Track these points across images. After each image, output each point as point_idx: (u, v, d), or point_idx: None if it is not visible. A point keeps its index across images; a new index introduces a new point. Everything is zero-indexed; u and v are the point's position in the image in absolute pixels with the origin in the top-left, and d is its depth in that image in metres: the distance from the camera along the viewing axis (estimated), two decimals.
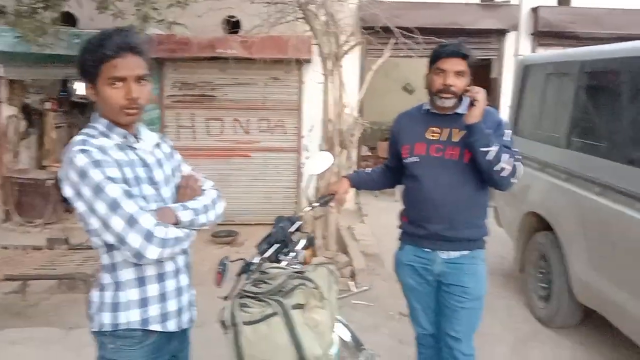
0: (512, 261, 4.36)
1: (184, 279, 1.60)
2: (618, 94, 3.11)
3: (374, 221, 6.30)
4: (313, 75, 5.89)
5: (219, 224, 6.17)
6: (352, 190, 6.59)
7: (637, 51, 2.95)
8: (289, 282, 1.59)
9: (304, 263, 2.14)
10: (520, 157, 2.17)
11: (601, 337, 3.43)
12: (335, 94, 4.86)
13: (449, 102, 2.12)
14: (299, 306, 1.51)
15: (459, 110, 2.16)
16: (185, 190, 1.59)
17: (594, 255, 3.12)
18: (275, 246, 2.17)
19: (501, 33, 6.61)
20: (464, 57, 2.08)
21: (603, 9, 6.52)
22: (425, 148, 2.21)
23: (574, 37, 6.32)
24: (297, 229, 2.32)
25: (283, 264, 2.05)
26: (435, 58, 2.13)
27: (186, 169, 1.71)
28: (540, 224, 3.75)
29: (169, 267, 1.54)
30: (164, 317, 1.54)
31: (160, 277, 1.52)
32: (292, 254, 2.15)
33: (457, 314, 2.24)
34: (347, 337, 2.44)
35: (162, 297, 1.53)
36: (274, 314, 1.49)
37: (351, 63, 6.01)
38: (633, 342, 2.85)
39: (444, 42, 2.17)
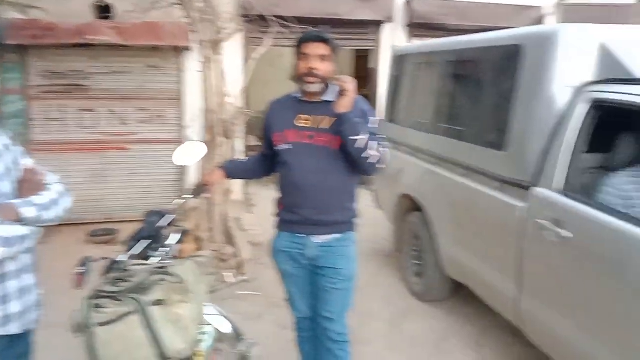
0: (391, 242, 4.60)
1: (28, 278, 1.49)
2: (475, 81, 3.38)
3: (263, 211, 6.29)
4: (193, 63, 5.72)
5: (96, 222, 5.83)
6: (241, 181, 6.60)
7: (489, 42, 3.22)
8: (149, 278, 1.54)
9: (180, 258, 2.09)
10: (387, 143, 2.28)
11: (470, 307, 3.73)
12: (216, 83, 4.76)
13: (315, 87, 2.17)
14: (158, 302, 1.47)
15: (327, 98, 2.22)
16: (26, 185, 1.47)
17: (458, 232, 3.37)
18: (145, 242, 2.09)
19: (378, 24, 6.86)
20: (326, 42, 2.14)
21: (470, 3, 7.00)
22: (296, 135, 2.25)
23: (444, 28, 6.72)
24: (170, 223, 2.26)
25: (155, 260, 1.99)
26: (298, 44, 2.17)
27: (27, 163, 1.58)
28: (413, 206, 3.99)
29: (11, 266, 1.42)
30: (5, 319, 1.42)
31: (2, 278, 1.40)
32: (163, 250, 2.09)
33: (330, 295, 2.32)
34: (227, 328, 2.43)
35: (4, 299, 1.41)
36: (131, 312, 1.43)
37: (233, 52, 5.91)
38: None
39: (308, 30, 2.22)
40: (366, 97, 7.56)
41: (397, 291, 4.13)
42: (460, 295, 3.81)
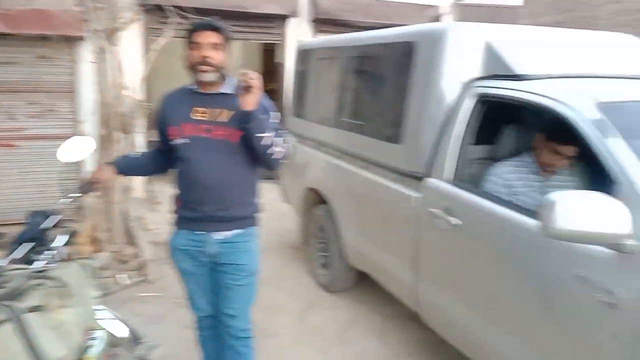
0: (299, 235, 4.63)
1: None
2: (374, 77, 3.48)
3: (169, 209, 6.09)
4: (87, 54, 5.39)
5: None
6: (143, 178, 6.33)
7: (385, 38, 3.32)
8: (26, 283, 1.43)
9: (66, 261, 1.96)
10: (289, 138, 2.28)
11: (374, 296, 3.85)
12: (112, 75, 4.52)
13: (210, 76, 2.11)
14: (35, 308, 1.37)
15: (225, 90, 2.18)
16: None
17: (360, 223, 3.46)
18: (27, 245, 1.94)
19: (283, 18, 6.87)
20: (218, 30, 2.10)
21: (374, 0, 7.20)
22: (193, 129, 2.18)
23: (349, 25, 6.86)
24: (57, 224, 2.11)
25: (39, 264, 1.85)
26: (190, 33, 2.11)
27: None
28: (318, 199, 4.04)
29: None
30: None
31: None
32: (49, 253, 1.95)
33: (233, 292, 2.29)
34: (124, 332, 2.33)
35: None
36: (4, 320, 1.32)
37: (131, 42, 5.64)
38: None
39: (198, 19, 2.16)
40: (274, 91, 7.60)
41: (304, 283, 4.17)
42: (365, 284, 3.92)
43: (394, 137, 3.03)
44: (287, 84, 6.62)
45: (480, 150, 2.83)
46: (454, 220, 2.47)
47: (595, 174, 2.14)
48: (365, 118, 3.47)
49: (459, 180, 2.59)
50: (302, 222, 4.49)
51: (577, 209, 1.70)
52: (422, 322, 2.99)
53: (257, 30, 6.78)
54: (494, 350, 2.31)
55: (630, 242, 1.70)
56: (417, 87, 2.86)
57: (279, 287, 4.04)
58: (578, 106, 2.08)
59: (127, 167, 2.44)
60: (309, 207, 4.28)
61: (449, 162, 2.63)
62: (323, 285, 4.04)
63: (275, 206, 5.23)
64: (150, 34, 6.01)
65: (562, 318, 1.95)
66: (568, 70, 2.53)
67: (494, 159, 2.73)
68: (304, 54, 4.56)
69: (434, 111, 2.75)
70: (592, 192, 1.80)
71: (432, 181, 2.70)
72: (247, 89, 2.01)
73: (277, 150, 2.15)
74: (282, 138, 2.18)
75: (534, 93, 2.33)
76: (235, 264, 2.27)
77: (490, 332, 2.31)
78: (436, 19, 7.48)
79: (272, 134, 2.11)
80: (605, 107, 2.03)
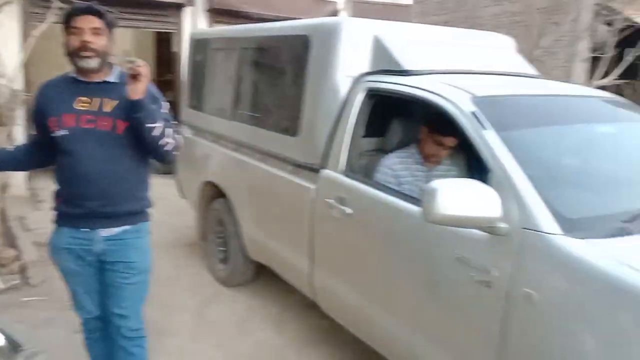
0: (196, 230, 4.53)
1: None
2: (270, 69, 3.48)
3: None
4: None
5: None
6: (24, 174, 5.83)
7: (281, 31, 3.34)
8: None
9: None
10: (179, 129, 2.22)
11: (273, 288, 3.87)
12: None
13: (92, 62, 2.00)
14: None
15: (110, 79, 2.08)
16: None
17: (259, 215, 3.47)
18: None
19: (178, 7, 6.65)
20: (99, 14, 1.99)
21: None
22: (75, 119, 2.05)
23: (246, 16, 6.81)
24: None
25: None
26: (68, 19, 1.98)
27: None
28: (216, 192, 3.97)
29: None
30: None
31: None
32: None
33: (122, 291, 2.19)
34: (1, 341, 2.15)
35: None
36: None
37: (9, 28, 5.18)
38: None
39: (77, 3, 2.03)
40: (170, 82, 7.33)
41: (203, 279, 4.09)
42: (263, 277, 3.93)
43: (291, 130, 3.06)
44: (185, 74, 6.43)
45: (371, 142, 2.94)
46: (346, 210, 2.55)
47: (473, 163, 2.31)
48: (262, 110, 3.47)
49: (351, 171, 2.67)
50: (199, 217, 4.39)
51: (455, 196, 1.83)
52: (319, 311, 3.06)
53: (150, 18, 6.51)
54: (387, 333, 2.42)
55: (501, 225, 1.86)
56: (313, 81, 2.91)
57: (177, 285, 3.93)
58: (456, 100, 2.23)
59: (1, 161, 2.24)
60: (206, 201, 4.20)
61: (342, 153, 2.70)
62: (222, 280, 3.99)
63: (170, 201, 5.09)
64: (31, 19, 5.55)
65: (446, 298, 2.09)
66: (449, 67, 2.70)
67: (384, 150, 2.86)
68: (199, 44, 4.44)
69: (329, 104, 2.81)
70: (469, 179, 1.94)
71: (327, 172, 2.76)
72: (134, 77, 1.93)
73: (169, 142, 2.09)
74: (173, 129, 2.12)
75: (418, 88, 2.46)
76: (124, 262, 2.18)
77: (382, 315, 2.42)
78: (334, 14, 7.64)
79: (162, 124, 2.05)
80: (480, 101, 2.20)
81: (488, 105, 2.20)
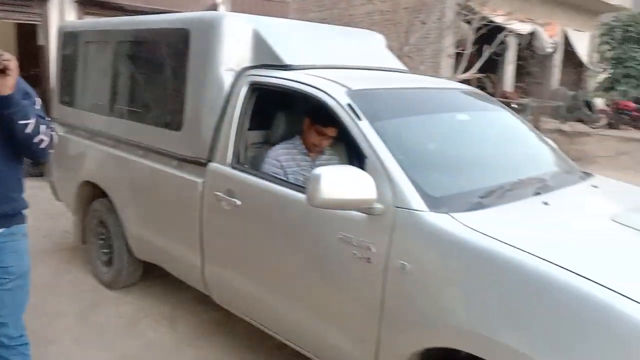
0: (75, 234, 4.29)
1: None
2: (150, 63, 3.40)
3: None
4: None
5: None
6: None
7: (160, 24, 3.28)
8: None
9: None
10: (53, 126, 2.13)
11: (162, 287, 3.81)
12: None
13: None
14: None
15: None
16: None
17: (145, 213, 3.39)
18: None
19: None
20: None
21: None
22: None
23: (118, 8, 6.51)
24: None
25: None
26: None
27: None
28: (96, 192, 3.81)
29: None
30: None
31: None
32: None
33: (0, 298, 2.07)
34: None
35: None
36: None
37: None
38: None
39: None
40: (37, 77, 6.79)
41: (86, 284, 3.90)
42: (151, 277, 3.85)
43: (174, 125, 3.04)
44: (53, 68, 6.01)
45: (257, 135, 3.03)
46: (235, 201, 2.61)
47: (353, 152, 2.49)
48: (143, 105, 3.39)
49: (238, 163, 2.73)
50: (77, 219, 4.17)
51: (335, 181, 1.98)
52: (211, 304, 3.09)
53: (11, 8, 5.98)
54: (279, 315, 2.54)
55: (377, 205, 2.05)
56: (194, 75, 2.92)
57: (57, 292, 3.71)
58: (334, 93, 2.39)
59: None
60: (85, 202, 4.01)
61: (229, 147, 2.75)
62: (107, 284, 3.84)
63: (44, 205, 4.77)
64: None
65: (332, 276, 2.24)
66: (327, 62, 2.87)
67: (269, 143, 2.95)
68: (69, 37, 4.20)
69: (212, 98, 2.84)
70: (347, 166, 2.11)
71: (215, 166, 2.80)
72: (1, 71, 1.83)
73: (43, 139, 2.01)
74: (47, 125, 2.04)
75: (299, 82, 2.59)
76: (1, 267, 2.06)
77: (274, 299, 2.53)
78: (212, 8, 7.57)
79: (35, 120, 1.96)
80: (355, 94, 2.38)
81: (362, 97, 2.39)
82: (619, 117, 14.11)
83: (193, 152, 2.92)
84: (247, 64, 2.87)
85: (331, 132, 2.74)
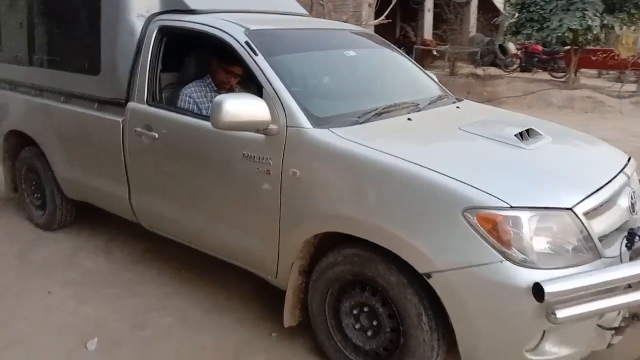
0: (4, 184, 4.47)
1: None
2: (65, 12, 3.57)
3: None
4: None
5: None
6: None
7: None
8: None
9: None
10: None
11: (95, 224, 4.12)
12: None
13: None
14: None
15: None
16: None
17: (72, 155, 3.65)
18: None
19: None
20: None
21: None
22: None
23: None
24: None
25: None
26: None
27: None
28: (23, 141, 4.00)
29: None
30: None
31: None
32: None
33: None
34: None
35: None
36: None
37: None
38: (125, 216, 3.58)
39: None
40: None
41: (22, 229, 4.13)
42: (83, 217, 4.14)
43: (93, 69, 3.29)
44: None
45: (171, 76, 3.34)
46: (152, 135, 2.95)
47: (257, 87, 2.86)
48: (61, 54, 3.60)
49: (154, 101, 3.05)
50: (6, 169, 4.35)
51: (235, 105, 2.37)
52: (143, 236, 3.46)
53: None
54: (198, 230, 2.95)
55: (272, 126, 2.46)
56: (108, 22, 3.17)
57: None
58: (234, 33, 2.74)
59: None
60: (12, 151, 4.19)
61: (145, 87, 3.05)
62: (42, 226, 4.10)
63: None
64: None
65: (239, 190, 2.66)
66: (231, 6, 3.19)
67: (183, 83, 3.27)
68: None
69: (126, 43, 3.11)
70: (246, 94, 2.50)
71: (133, 105, 3.10)
72: None
73: None
74: None
75: (204, 24, 2.91)
76: None
77: (193, 216, 2.93)
78: None
79: None
80: (253, 34, 2.74)
81: (258, 36, 2.75)
82: (530, 61, 15.14)
83: (112, 94, 3.20)
84: (157, 9, 3.14)
85: (237, 69, 3.09)
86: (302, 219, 2.42)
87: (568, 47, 11.80)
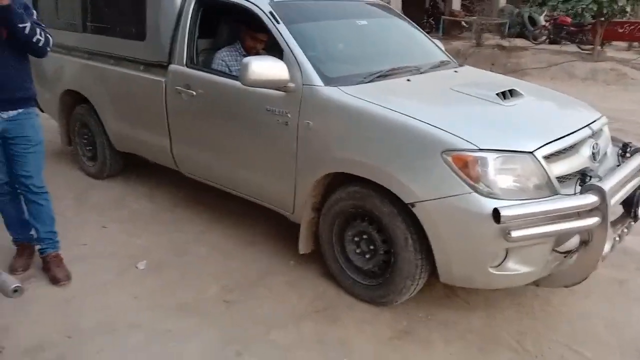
0: (60, 139, 5.08)
1: None
2: None
3: None
4: None
5: None
6: None
7: None
8: None
9: None
10: (48, 31, 2.88)
11: (142, 174, 4.71)
12: None
13: None
14: None
15: None
16: None
17: (121, 111, 4.20)
18: None
19: None
20: None
21: None
22: None
23: None
24: None
25: None
26: None
27: None
28: (76, 99, 4.58)
29: None
30: None
31: None
32: None
33: (25, 159, 2.92)
34: None
35: None
36: None
37: None
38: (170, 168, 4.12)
39: None
40: None
41: (76, 177, 4.74)
42: (130, 169, 4.73)
43: (139, 36, 3.81)
44: None
45: (208, 42, 3.83)
46: (192, 92, 3.46)
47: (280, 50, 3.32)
48: (111, 21, 4.12)
49: (192, 64, 3.55)
50: (62, 124, 4.94)
51: (260, 66, 2.84)
52: (183, 184, 3.99)
53: None
54: (229, 174, 3.48)
55: (290, 84, 2.94)
56: None
57: (53, 184, 4.31)
58: (260, 4, 3.20)
59: None
60: (68, 109, 4.77)
61: (185, 51, 3.55)
62: (94, 175, 4.70)
63: None
64: None
65: (263, 138, 3.15)
66: None
67: (217, 48, 3.76)
68: None
69: (168, 12, 3.60)
70: (268, 56, 2.97)
71: (174, 67, 3.61)
72: None
73: (40, 38, 2.75)
74: (42, 28, 2.78)
75: None
76: (23, 136, 2.89)
77: (225, 162, 3.46)
78: None
79: (30, 24, 2.68)
80: (276, 5, 3.20)
81: (281, 7, 3.21)
82: (559, 33, 15.06)
83: (156, 57, 3.71)
84: None
85: (262, 36, 3.55)
86: (314, 162, 2.91)
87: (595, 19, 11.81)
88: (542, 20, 15.71)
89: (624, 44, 14.76)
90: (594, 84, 10.67)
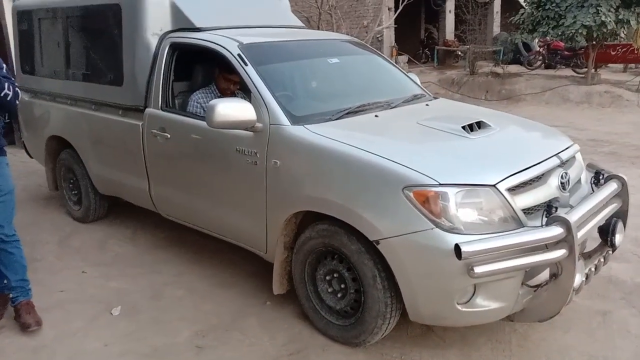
0: (47, 184, 5.12)
1: None
2: (94, 33, 4.17)
3: None
4: None
5: None
6: None
7: (95, 0, 4.04)
8: None
9: None
10: (17, 84, 2.93)
11: (125, 217, 4.72)
12: None
13: None
14: None
15: None
16: None
17: (102, 155, 4.24)
18: None
19: None
20: None
21: None
22: None
23: None
24: None
25: None
26: None
27: None
28: (61, 144, 4.63)
29: None
30: None
31: None
32: None
33: None
34: None
35: None
36: None
37: None
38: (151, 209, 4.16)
39: None
40: None
41: (62, 221, 4.77)
42: (114, 212, 4.75)
43: (117, 81, 3.87)
44: (11, 42, 6.64)
45: (183, 85, 3.88)
46: (167, 135, 3.48)
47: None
48: (91, 68, 4.19)
49: (167, 107, 3.59)
50: (48, 169, 4.99)
51: (226, 107, 2.86)
52: (165, 227, 4.00)
53: None
54: (203, 213, 3.46)
55: (258, 124, 2.95)
56: (128, 40, 3.73)
57: (40, 228, 4.58)
58: (229, 47, 3.25)
59: None
60: (53, 154, 4.83)
61: (160, 95, 3.60)
62: (79, 219, 4.71)
63: (17, 167, 5.54)
64: None
65: (234, 177, 3.15)
66: (230, 23, 3.70)
67: (192, 90, 3.81)
68: (23, 15, 4.89)
69: (143, 58, 3.66)
70: (236, 98, 2.99)
71: (150, 110, 3.65)
72: None
73: (8, 93, 2.82)
74: (9, 82, 2.84)
75: (207, 40, 3.42)
76: None
77: (199, 202, 3.45)
78: None
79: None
80: (245, 47, 3.24)
81: (250, 49, 3.25)
82: (553, 58, 15.17)
83: (133, 102, 3.76)
84: (168, 28, 3.69)
85: (235, 77, 3.58)
86: (283, 201, 2.90)
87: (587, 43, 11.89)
88: (536, 45, 15.84)
89: (620, 66, 14.82)
90: (588, 107, 10.67)
